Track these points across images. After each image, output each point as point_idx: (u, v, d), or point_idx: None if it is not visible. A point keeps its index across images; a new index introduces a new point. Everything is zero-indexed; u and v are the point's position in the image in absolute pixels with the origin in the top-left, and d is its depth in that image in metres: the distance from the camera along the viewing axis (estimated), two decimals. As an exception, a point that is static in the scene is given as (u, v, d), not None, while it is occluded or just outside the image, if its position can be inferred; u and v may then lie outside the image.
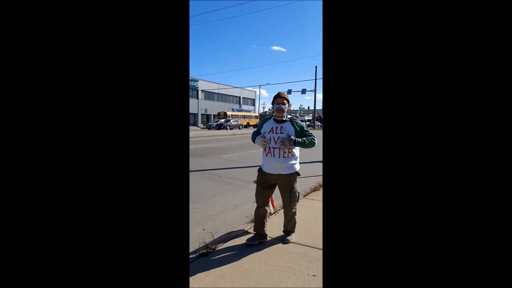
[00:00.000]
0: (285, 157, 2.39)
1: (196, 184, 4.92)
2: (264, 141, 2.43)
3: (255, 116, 38.28)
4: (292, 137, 2.35)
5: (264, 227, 2.56)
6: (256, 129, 2.64)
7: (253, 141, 2.58)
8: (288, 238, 2.54)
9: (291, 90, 34.90)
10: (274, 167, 2.42)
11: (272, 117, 2.54)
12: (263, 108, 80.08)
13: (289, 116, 2.54)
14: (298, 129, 2.44)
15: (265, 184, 2.51)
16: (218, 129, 28.27)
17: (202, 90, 37.68)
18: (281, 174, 2.42)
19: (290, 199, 2.47)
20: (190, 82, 36.29)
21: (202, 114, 37.83)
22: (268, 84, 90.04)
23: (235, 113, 35.57)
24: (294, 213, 2.56)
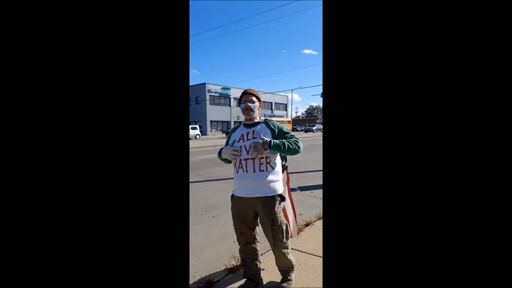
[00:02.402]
0: (262, 170, 1.71)
1: (227, 193, 4.86)
2: (234, 150, 1.77)
3: (288, 121, 38.01)
4: (267, 138, 1.70)
5: (257, 270, 1.91)
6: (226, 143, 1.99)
7: (219, 155, 1.92)
8: (284, 285, 1.85)
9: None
10: (249, 187, 1.73)
11: (242, 123, 1.94)
12: (295, 112, 79.62)
13: (262, 118, 1.94)
14: (275, 130, 1.80)
15: (243, 216, 1.80)
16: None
17: (234, 98, 38.37)
18: (258, 197, 1.73)
19: (274, 235, 1.73)
20: (223, 90, 37.21)
21: (234, 122, 38.44)
22: (300, 87, 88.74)
23: (268, 118, 35.23)
24: (286, 253, 1.80)
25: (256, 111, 1.89)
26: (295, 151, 1.72)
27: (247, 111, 1.85)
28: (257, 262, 1.89)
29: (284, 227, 1.78)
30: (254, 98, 1.87)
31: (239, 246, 1.89)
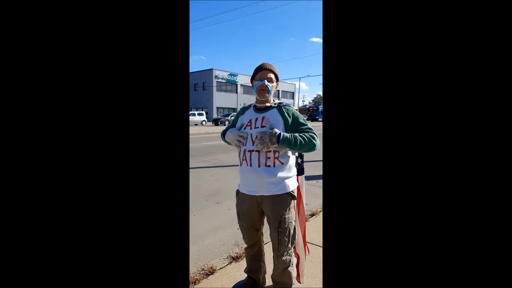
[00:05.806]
0: (268, 165, 1.42)
1: (232, 180, 4.83)
2: (239, 135, 1.48)
3: (295, 109, 37.52)
4: (276, 130, 1.40)
5: (260, 271, 1.74)
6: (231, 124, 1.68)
7: (223, 136, 1.64)
8: None
9: (332, 81, 33.62)
10: (253, 184, 1.47)
11: (252, 105, 1.61)
12: (302, 101, 78.87)
13: (277, 101, 1.59)
14: (289, 119, 1.47)
15: (248, 216, 1.57)
16: (216, 125, 23.60)
17: (241, 85, 38.02)
18: (263, 195, 1.47)
19: (279, 238, 1.48)
20: (230, 76, 36.88)
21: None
22: (308, 76, 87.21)
23: (283, 103, 34.83)
24: (288, 262, 1.55)
25: (273, 92, 1.54)
26: (308, 149, 1.41)
27: (263, 91, 1.50)
28: (261, 264, 1.74)
29: (292, 230, 1.53)
30: (273, 76, 1.51)
31: (243, 234, 1.72)
